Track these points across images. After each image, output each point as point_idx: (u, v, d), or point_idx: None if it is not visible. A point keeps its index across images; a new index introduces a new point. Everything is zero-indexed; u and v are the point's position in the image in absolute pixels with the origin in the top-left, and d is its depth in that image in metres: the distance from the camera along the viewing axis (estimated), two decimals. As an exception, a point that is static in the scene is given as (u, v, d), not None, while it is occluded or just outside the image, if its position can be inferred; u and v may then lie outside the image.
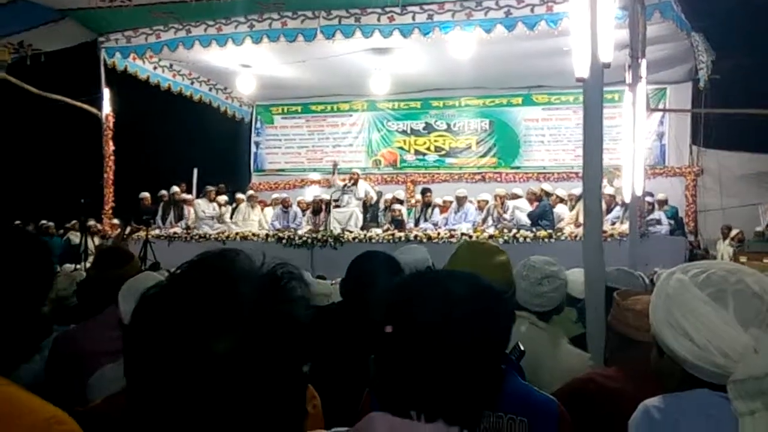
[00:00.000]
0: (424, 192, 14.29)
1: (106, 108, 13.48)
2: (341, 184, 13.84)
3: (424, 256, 3.21)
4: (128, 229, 13.18)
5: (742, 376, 1.31)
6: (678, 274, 1.45)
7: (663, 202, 13.18)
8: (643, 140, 10.11)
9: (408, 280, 1.31)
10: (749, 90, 12.44)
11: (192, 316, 0.84)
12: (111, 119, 13.53)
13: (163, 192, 14.49)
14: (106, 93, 13.49)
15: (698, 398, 1.39)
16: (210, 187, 14.29)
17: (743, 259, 11.23)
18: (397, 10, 11.60)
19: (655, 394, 1.49)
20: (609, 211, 12.01)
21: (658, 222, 12.19)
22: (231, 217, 14.14)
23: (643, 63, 8.98)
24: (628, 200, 9.04)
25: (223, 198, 14.40)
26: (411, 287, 1.27)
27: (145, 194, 14.38)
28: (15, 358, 1.36)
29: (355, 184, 13.80)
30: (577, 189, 13.54)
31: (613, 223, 11.71)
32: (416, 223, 13.53)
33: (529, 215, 12.39)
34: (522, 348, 1.98)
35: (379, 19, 11.79)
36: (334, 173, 14.41)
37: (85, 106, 13.37)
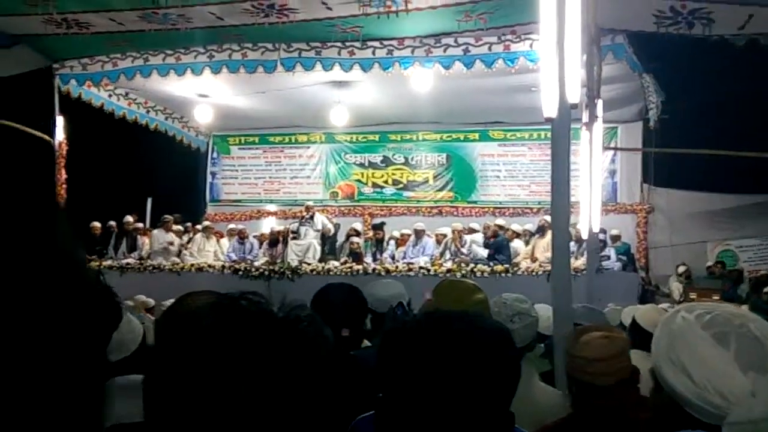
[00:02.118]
0: (375, 228, 14.28)
1: (60, 135, 13.20)
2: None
3: (399, 291, 3.19)
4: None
5: (738, 419, 1.31)
6: (683, 312, 1.46)
7: (616, 238, 13.43)
8: (599, 178, 10.31)
9: (417, 326, 1.28)
10: (697, 130, 12.77)
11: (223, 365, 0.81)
12: (64, 147, 13.26)
13: (112, 223, 14.22)
14: (60, 120, 13.23)
15: (695, 440, 1.39)
16: (168, 217, 14.05)
17: (693, 295, 11.47)
18: (358, 44, 11.67)
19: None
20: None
21: (608, 258, 12.43)
22: (186, 248, 13.90)
23: (600, 103, 9.18)
24: (585, 237, 9.17)
25: (178, 228, 14.17)
26: (420, 334, 1.24)
27: (96, 224, 14.08)
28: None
29: (311, 217, 13.73)
30: (531, 224, 13.78)
31: (568, 259, 11.86)
32: (373, 258, 13.47)
33: (487, 246, 12.50)
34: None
35: (339, 53, 11.85)
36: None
37: (38, 134, 13.04)
